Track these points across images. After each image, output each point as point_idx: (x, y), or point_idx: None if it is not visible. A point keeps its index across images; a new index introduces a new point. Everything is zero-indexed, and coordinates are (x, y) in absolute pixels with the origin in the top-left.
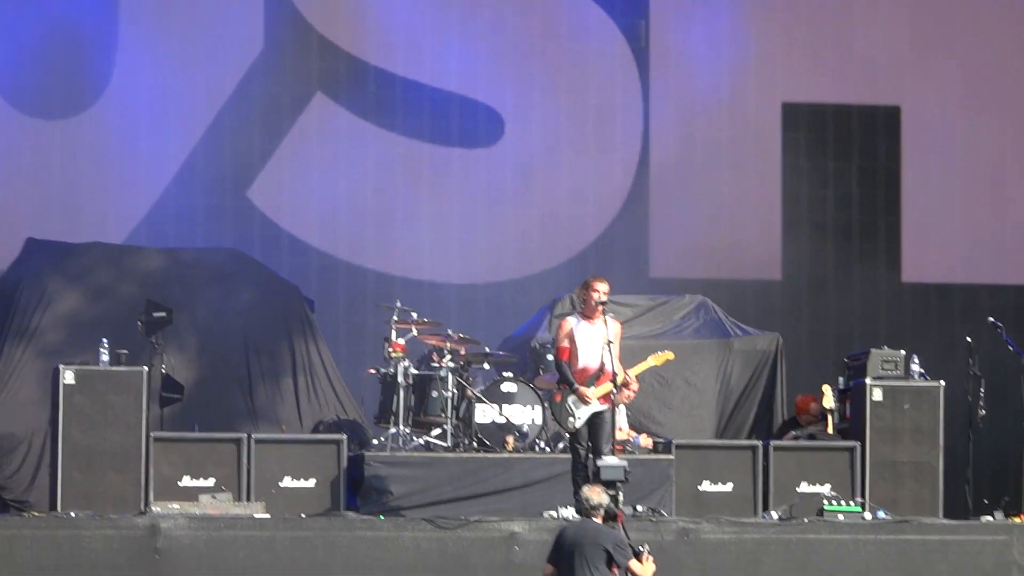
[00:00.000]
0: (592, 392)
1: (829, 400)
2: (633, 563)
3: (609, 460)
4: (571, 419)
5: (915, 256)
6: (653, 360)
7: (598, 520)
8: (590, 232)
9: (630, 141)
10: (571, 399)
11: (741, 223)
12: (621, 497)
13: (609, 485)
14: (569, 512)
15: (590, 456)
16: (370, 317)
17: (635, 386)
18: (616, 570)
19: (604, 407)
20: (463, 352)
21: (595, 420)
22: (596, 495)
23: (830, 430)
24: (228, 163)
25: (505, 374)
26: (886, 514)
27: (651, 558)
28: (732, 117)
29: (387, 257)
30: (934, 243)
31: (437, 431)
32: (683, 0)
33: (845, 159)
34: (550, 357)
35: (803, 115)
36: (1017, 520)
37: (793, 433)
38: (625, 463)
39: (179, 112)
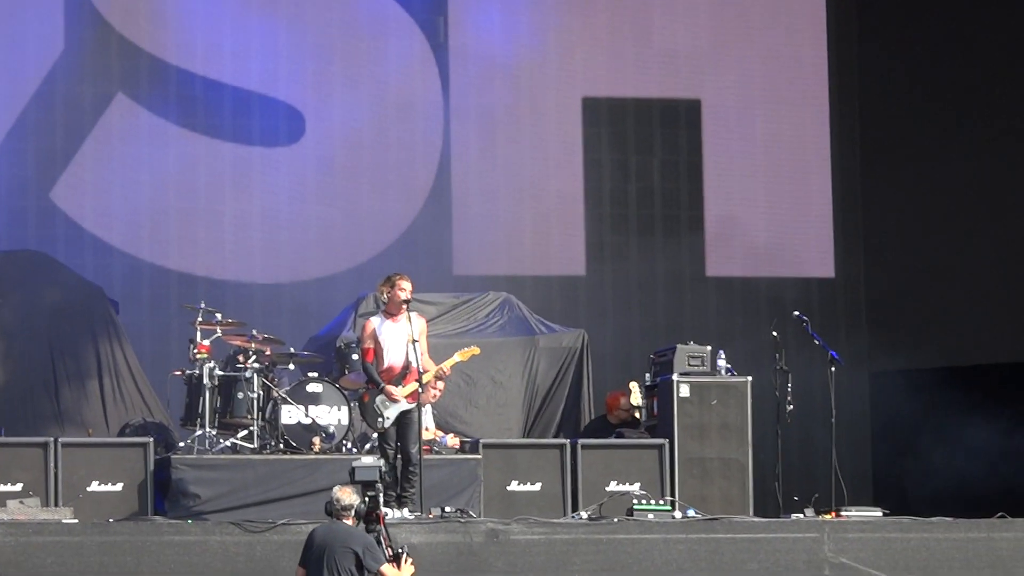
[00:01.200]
0: (399, 391)
1: (636, 397)
2: (386, 568)
3: (364, 460)
4: (380, 419)
5: (719, 250)
6: (459, 356)
7: (348, 522)
8: (393, 230)
9: (431, 137)
10: (379, 399)
11: (544, 219)
12: (382, 498)
13: (367, 486)
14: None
15: (398, 456)
16: (174, 318)
17: (442, 384)
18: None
19: (411, 406)
20: (268, 352)
21: (403, 419)
22: (347, 495)
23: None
24: (30, 164)
25: (311, 374)
26: (696, 512)
27: (410, 560)
28: (533, 112)
29: (190, 257)
30: (737, 236)
31: (243, 433)
32: None
33: (647, 153)
34: (355, 357)
35: (604, 109)
36: (828, 517)
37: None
38: (381, 463)
39: None
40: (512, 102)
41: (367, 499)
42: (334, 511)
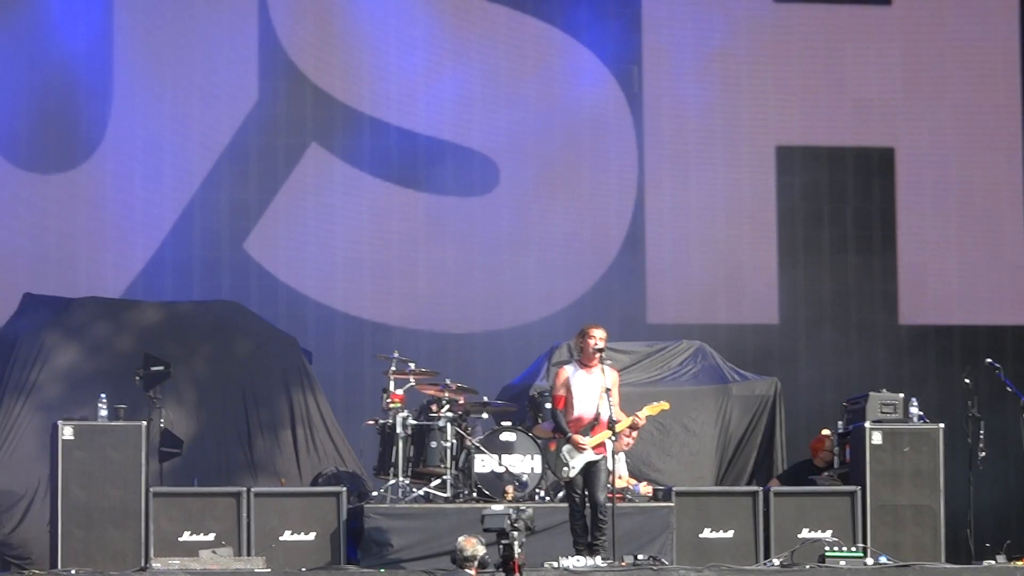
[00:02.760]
0: (587, 440)
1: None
2: None
3: (494, 508)
4: (565, 468)
5: (912, 298)
6: (648, 410)
7: (471, 572)
8: (587, 279)
9: (625, 185)
10: (565, 448)
11: (737, 267)
12: (518, 546)
13: (501, 535)
14: (570, 562)
15: (587, 505)
16: (367, 368)
17: (635, 432)
18: None
19: (599, 456)
20: (461, 402)
21: (590, 469)
22: (471, 546)
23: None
24: (224, 215)
25: (504, 423)
26: (888, 559)
27: None
28: (727, 161)
29: (384, 307)
30: (931, 285)
31: (437, 482)
32: (674, 46)
33: (840, 201)
34: (548, 406)
35: (797, 158)
36: (1020, 564)
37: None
38: (510, 510)
39: (174, 165)
40: (706, 150)
41: (502, 547)
42: (458, 560)
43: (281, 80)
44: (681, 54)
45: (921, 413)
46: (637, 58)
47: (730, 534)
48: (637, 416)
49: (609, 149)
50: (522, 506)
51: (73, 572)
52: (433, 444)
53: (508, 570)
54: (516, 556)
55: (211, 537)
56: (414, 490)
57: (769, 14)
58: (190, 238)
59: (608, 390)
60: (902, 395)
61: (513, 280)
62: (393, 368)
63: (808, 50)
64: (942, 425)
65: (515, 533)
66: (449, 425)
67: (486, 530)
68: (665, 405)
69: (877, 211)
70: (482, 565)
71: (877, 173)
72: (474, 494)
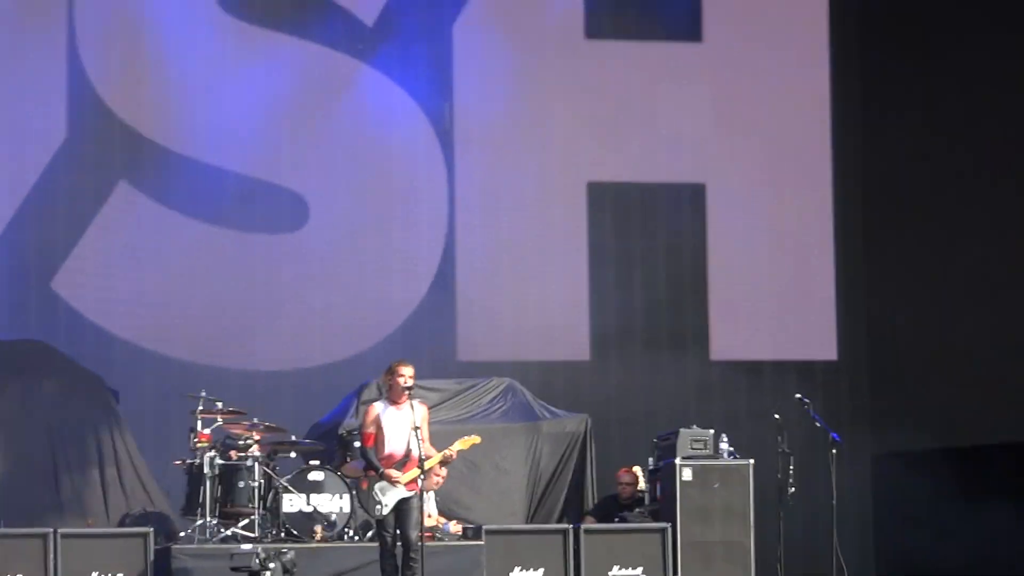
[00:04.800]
0: (400, 476)
1: (640, 481)
2: None
3: (244, 547)
4: (378, 506)
5: (723, 334)
6: (460, 444)
7: None
8: (397, 316)
9: (436, 223)
10: (378, 486)
11: (548, 303)
12: None
13: (255, 574)
14: None
15: (398, 543)
16: (175, 407)
17: (445, 470)
18: None
19: (411, 493)
20: (270, 441)
21: (402, 507)
22: None
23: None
24: (32, 254)
25: (312, 462)
26: None
27: None
28: (538, 197)
29: (193, 345)
30: (742, 320)
31: (244, 522)
32: (486, 82)
33: (651, 238)
34: (358, 444)
35: (609, 194)
36: None
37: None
38: (257, 548)
39: None
40: (517, 187)
41: None
42: None
43: (89, 117)
44: (492, 90)
45: (731, 449)
46: (448, 94)
47: (540, 572)
48: (448, 451)
49: (420, 185)
50: (284, 547)
51: None
52: (241, 484)
53: None
54: None
55: None
56: (222, 530)
57: (581, 50)
58: None
59: (418, 427)
60: (712, 431)
61: (323, 318)
62: (201, 407)
63: (620, 86)
64: (752, 461)
65: (267, 573)
66: (257, 464)
67: (233, 569)
68: (476, 439)
69: (688, 247)
70: None
71: (688, 209)
72: (282, 534)
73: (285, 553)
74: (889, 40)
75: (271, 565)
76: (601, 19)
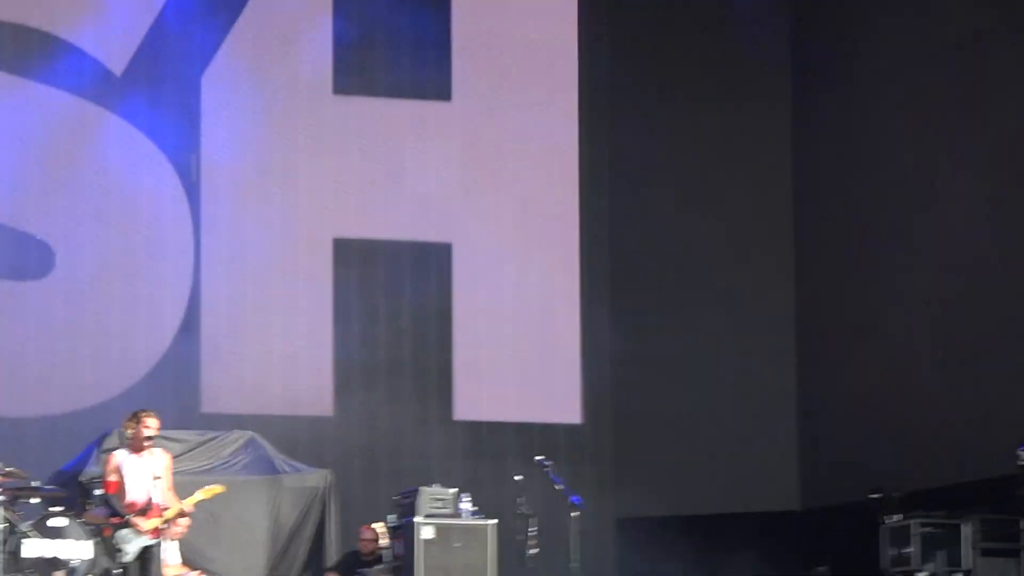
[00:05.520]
0: (142, 525)
1: (381, 538)
2: None
3: None
4: (119, 554)
5: (467, 394)
6: (203, 494)
7: None
8: (141, 366)
9: (182, 274)
10: (119, 534)
11: (293, 358)
12: None
13: None
14: None
15: None
16: None
17: (187, 519)
18: None
19: (154, 541)
20: (11, 486)
21: (145, 555)
22: None
23: None
24: None
25: (54, 508)
26: None
27: None
28: (284, 252)
29: None
30: (486, 381)
31: None
32: (233, 134)
33: (397, 296)
34: (98, 492)
35: (355, 251)
36: None
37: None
38: None
39: None
40: (264, 240)
41: None
42: None
43: None
44: (240, 142)
45: (474, 509)
46: (196, 145)
47: None
48: (184, 504)
49: (166, 236)
50: None
51: None
52: None
53: None
54: None
55: None
56: None
57: (328, 106)
58: None
59: (158, 477)
60: (454, 490)
61: (67, 366)
62: None
63: (367, 142)
64: (493, 521)
65: None
66: None
67: None
68: (219, 488)
69: (434, 306)
70: None
71: (434, 268)
72: None
73: None
74: (636, 103)
75: None
76: (349, 75)
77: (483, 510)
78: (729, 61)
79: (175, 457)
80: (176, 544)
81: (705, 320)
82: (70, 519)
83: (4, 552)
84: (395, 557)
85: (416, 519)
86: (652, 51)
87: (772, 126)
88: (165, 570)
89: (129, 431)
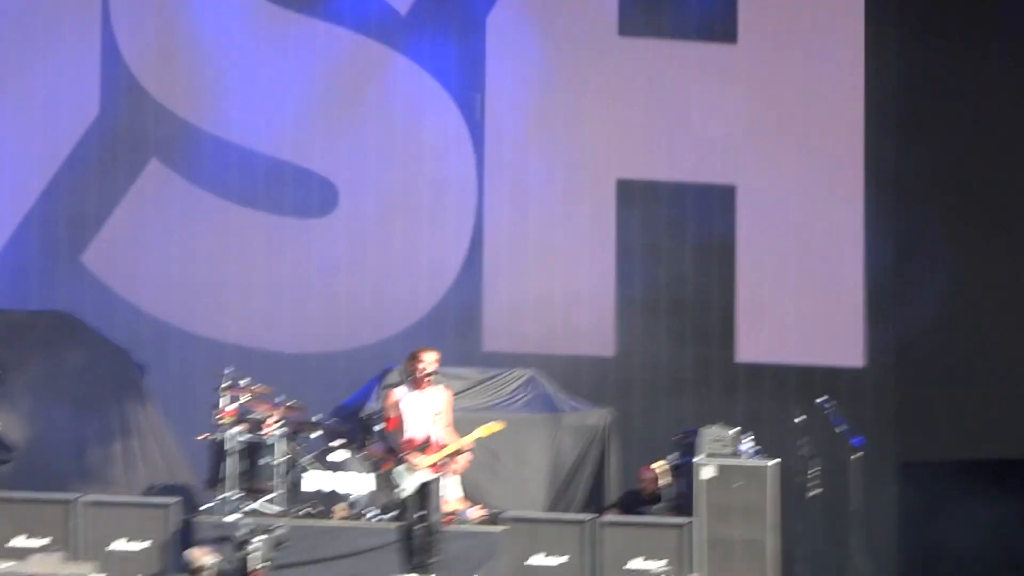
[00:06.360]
0: (421, 461)
1: (665, 476)
2: None
3: (229, 518)
4: (399, 488)
5: (749, 335)
6: (483, 431)
7: None
8: (423, 304)
9: (464, 214)
10: (398, 469)
11: (575, 298)
12: (256, 556)
13: (239, 545)
14: None
15: (419, 525)
16: (201, 384)
17: (467, 456)
18: None
19: (433, 477)
20: (293, 420)
21: (424, 490)
22: (196, 557)
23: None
24: (63, 226)
25: (334, 443)
26: None
27: None
28: (566, 192)
29: (220, 325)
30: (768, 323)
31: (267, 498)
32: (518, 75)
33: (680, 238)
34: (378, 427)
35: (638, 192)
36: None
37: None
38: (241, 519)
39: (14, 175)
40: (546, 182)
41: (237, 559)
42: (191, 572)
43: (123, 94)
44: (524, 83)
45: (755, 449)
46: (480, 86)
47: (559, 562)
48: (464, 441)
49: (449, 176)
50: (277, 523)
51: None
52: (264, 461)
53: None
54: (254, 568)
55: (42, 543)
56: (244, 505)
57: (614, 47)
58: (28, 247)
59: (438, 413)
60: (735, 430)
61: (349, 303)
62: (226, 385)
63: (652, 84)
64: (774, 462)
65: (252, 545)
66: (280, 442)
67: (220, 539)
68: (499, 426)
69: (716, 248)
70: (219, 575)
71: (717, 210)
72: (304, 511)
73: (276, 528)
74: (927, 43)
75: (259, 538)
76: (635, 16)
77: (764, 450)
78: None
79: (455, 394)
80: (456, 480)
81: (994, 261)
82: (350, 454)
83: (285, 485)
84: (675, 496)
85: (696, 459)
86: None
87: None
88: (445, 506)
89: (409, 368)
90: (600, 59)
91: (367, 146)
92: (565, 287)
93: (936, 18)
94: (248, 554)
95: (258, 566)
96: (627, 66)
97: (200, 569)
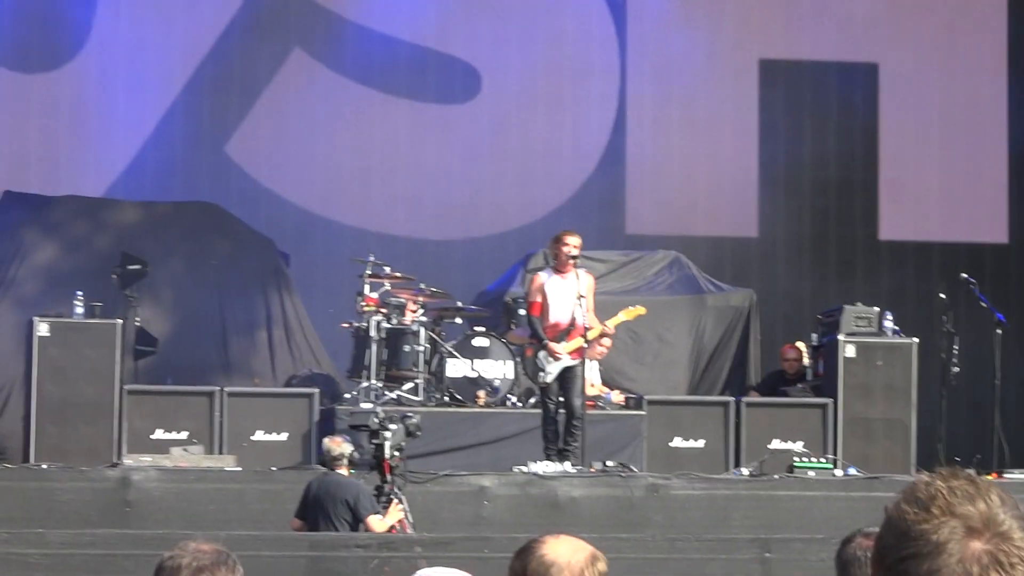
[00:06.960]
0: (563, 347)
1: (804, 357)
2: (371, 518)
3: (362, 406)
4: (542, 374)
5: (892, 214)
6: (625, 315)
7: (342, 471)
8: (566, 188)
9: (607, 97)
10: (542, 354)
11: (718, 180)
12: (389, 445)
13: (373, 434)
14: (540, 467)
15: (560, 411)
16: (344, 271)
17: (608, 341)
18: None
19: (575, 362)
20: (436, 306)
21: (566, 375)
22: (336, 445)
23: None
24: (206, 118)
25: (477, 328)
26: (857, 471)
27: (400, 506)
28: (709, 73)
29: (363, 212)
30: (911, 201)
31: (409, 385)
32: None
33: (822, 117)
34: (522, 312)
35: (780, 72)
36: (989, 478)
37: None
38: (375, 408)
39: (157, 68)
40: (689, 63)
41: (373, 446)
42: (327, 461)
43: None
44: None
45: (896, 327)
46: None
47: (700, 443)
48: (606, 326)
49: (591, 60)
50: (410, 412)
51: (45, 467)
52: (406, 348)
53: (380, 470)
54: (387, 456)
55: (183, 435)
56: (386, 393)
57: None
58: (172, 140)
59: (582, 296)
60: (877, 309)
61: (492, 188)
62: (368, 272)
63: None
64: (916, 340)
65: (386, 433)
66: (422, 329)
67: (352, 427)
68: (642, 310)
69: (859, 127)
70: (352, 463)
71: (860, 89)
72: (446, 398)
73: (410, 417)
74: None
75: (392, 427)
76: None
77: (906, 328)
78: None
79: (599, 277)
80: (597, 364)
81: None
82: (493, 339)
83: (428, 372)
84: (817, 375)
85: (839, 337)
86: None
87: None
88: (587, 390)
89: (553, 251)
90: None
91: (509, 30)
92: (708, 168)
93: None
94: (382, 443)
95: (391, 455)
96: None
97: (337, 458)
